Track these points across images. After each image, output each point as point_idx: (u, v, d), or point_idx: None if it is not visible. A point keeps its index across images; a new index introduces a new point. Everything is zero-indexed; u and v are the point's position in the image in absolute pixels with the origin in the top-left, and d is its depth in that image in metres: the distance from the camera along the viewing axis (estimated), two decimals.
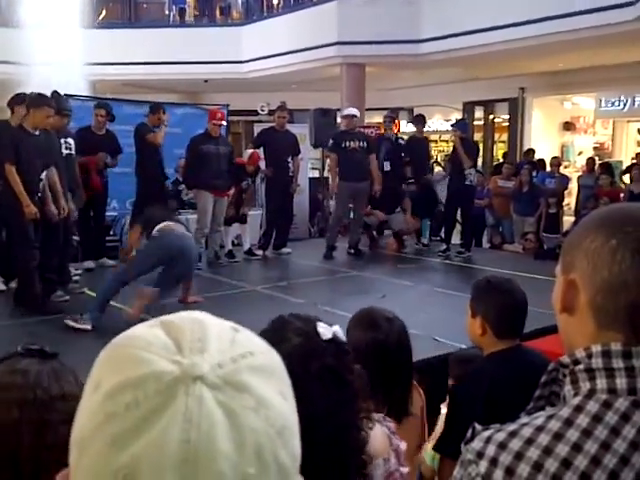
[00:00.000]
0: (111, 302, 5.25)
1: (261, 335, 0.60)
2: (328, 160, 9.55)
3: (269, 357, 0.57)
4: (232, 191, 8.00)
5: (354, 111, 8.71)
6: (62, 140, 6.67)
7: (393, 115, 9.92)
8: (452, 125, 9.40)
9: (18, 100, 6.10)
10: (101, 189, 7.55)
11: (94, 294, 5.55)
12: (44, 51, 11.58)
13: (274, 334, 1.30)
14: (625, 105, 14.84)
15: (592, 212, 0.96)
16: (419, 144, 9.45)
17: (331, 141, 8.57)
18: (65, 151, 6.70)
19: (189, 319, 0.57)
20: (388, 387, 2.14)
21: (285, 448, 0.53)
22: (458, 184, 8.47)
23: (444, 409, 3.02)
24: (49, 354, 1.04)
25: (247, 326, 0.60)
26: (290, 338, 1.32)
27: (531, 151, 12.50)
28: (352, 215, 8.80)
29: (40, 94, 5.73)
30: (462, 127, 9.03)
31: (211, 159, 7.50)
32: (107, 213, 8.14)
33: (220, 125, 7.82)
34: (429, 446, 2.41)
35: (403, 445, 1.61)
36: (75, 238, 6.92)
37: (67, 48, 12.01)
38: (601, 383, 0.82)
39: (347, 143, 8.35)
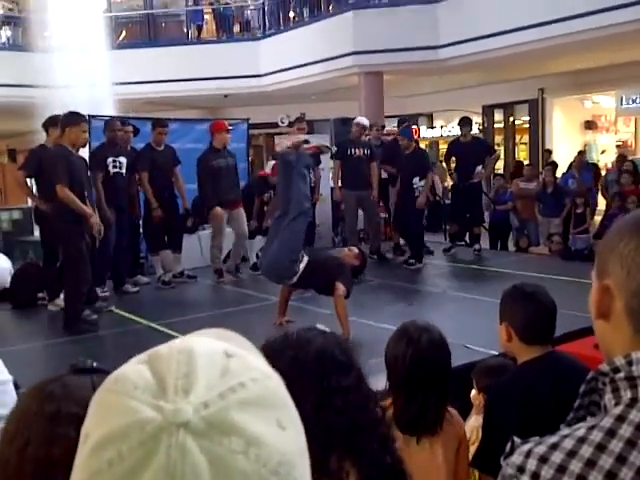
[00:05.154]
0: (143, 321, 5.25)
1: None
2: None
3: (263, 385, 0.53)
4: (250, 203, 7.95)
5: (364, 121, 8.69)
6: (110, 158, 6.78)
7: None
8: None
9: (53, 122, 6.20)
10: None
11: (122, 312, 5.54)
12: (67, 74, 11.73)
13: None
14: None
15: (626, 216, 0.94)
16: (464, 148, 8.86)
17: (335, 148, 8.60)
18: (113, 170, 6.80)
19: (177, 349, 0.54)
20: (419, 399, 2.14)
21: None
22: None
23: (472, 419, 2.99)
24: (100, 370, 1.00)
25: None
26: None
27: (547, 152, 12.38)
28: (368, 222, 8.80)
29: (72, 112, 5.75)
30: (406, 133, 8.58)
31: (223, 173, 7.46)
32: None
33: (229, 132, 7.72)
34: None
35: None
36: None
37: (90, 70, 12.17)
38: None
39: (352, 151, 8.37)
